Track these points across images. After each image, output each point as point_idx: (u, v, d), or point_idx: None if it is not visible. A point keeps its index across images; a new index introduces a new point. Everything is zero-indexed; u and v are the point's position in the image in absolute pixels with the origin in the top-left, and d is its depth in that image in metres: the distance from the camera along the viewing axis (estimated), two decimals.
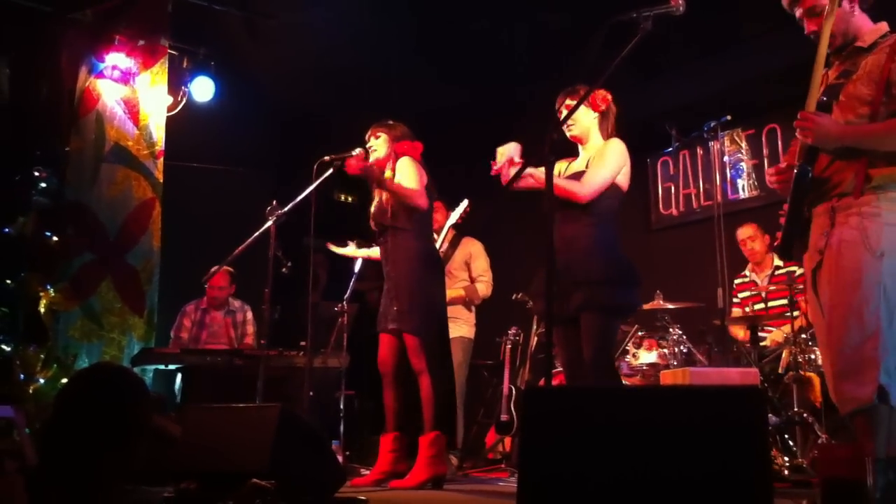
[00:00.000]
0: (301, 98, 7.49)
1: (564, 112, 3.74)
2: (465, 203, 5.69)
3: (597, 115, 3.91)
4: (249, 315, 6.55)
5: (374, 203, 4.55)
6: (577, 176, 3.81)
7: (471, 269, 5.90)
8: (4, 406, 4.44)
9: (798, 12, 2.99)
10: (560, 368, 4.40)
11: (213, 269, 5.67)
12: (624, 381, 5.33)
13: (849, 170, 2.79)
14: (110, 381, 2.37)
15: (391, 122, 4.57)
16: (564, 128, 3.80)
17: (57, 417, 2.33)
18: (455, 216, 5.73)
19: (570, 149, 4.00)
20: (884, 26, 2.93)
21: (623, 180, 3.83)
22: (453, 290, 5.77)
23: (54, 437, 2.31)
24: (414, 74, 6.92)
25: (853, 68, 2.85)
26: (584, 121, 3.89)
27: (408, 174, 4.38)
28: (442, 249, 5.75)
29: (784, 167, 3.02)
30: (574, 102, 3.67)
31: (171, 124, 6.86)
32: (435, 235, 5.89)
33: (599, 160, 3.78)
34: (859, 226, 2.73)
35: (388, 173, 4.50)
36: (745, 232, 5.73)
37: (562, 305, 3.57)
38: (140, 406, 2.37)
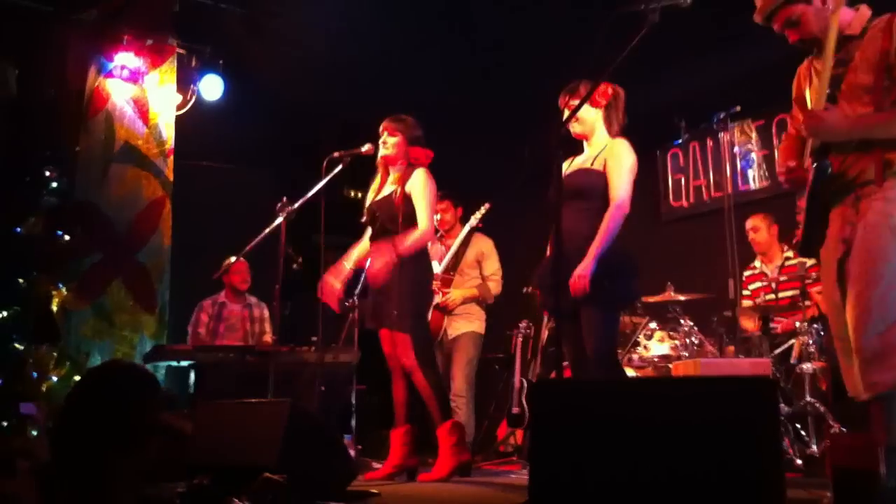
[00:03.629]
0: (310, 95, 7.48)
1: (567, 112, 3.69)
2: (485, 206, 5.69)
3: (599, 110, 3.86)
4: (266, 313, 6.60)
5: (378, 196, 4.53)
6: (581, 173, 3.79)
7: (482, 267, 5.91)
8: (27, 404, 4.46)
9: (776, 27, 2.97)
10: None
11: (226, 262, 5.70)
12: (635, 373, 5.32)
13: (867, 158, 2.77)
14: (117, 379, 2.38)
15: (405, 118, 4.55)
16: (568, 126, 3.76)
17: (66, 416, 2.34)
18: (475, 220, 5.76)
19: (573, 145, 3.96)
20: (865, 11, 2.90)
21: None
22: (466, 288, 5.83)
23: (64, 435, 2.32)
24: (421, 71, 6.90)
25: (847, 56, 2.83)
26: (587, 118, 3.83)
27: (421, 196, 4.36)
28: (455, 248, 5.79)
29: (794, 166, 2.97)
30: (575, 101, 3.61)
31: (181, 123, 6.88)
32: (441, 232, 5.91)
33: (616, 164, 3.72)
34: (883, 210, 2.71)
35: (394, 174, 4.51)
36: (749, 223, 5.72)
37: (562, 299, 3.55)
38: (147, 403, 2.37)
